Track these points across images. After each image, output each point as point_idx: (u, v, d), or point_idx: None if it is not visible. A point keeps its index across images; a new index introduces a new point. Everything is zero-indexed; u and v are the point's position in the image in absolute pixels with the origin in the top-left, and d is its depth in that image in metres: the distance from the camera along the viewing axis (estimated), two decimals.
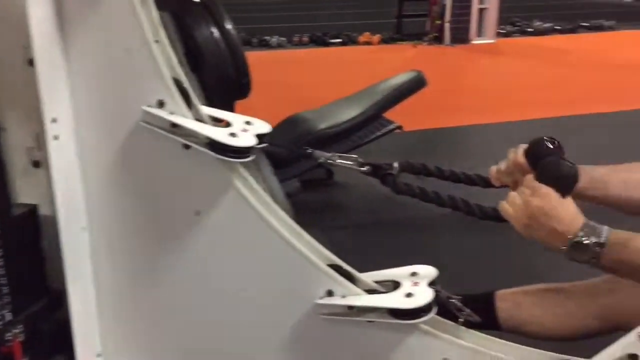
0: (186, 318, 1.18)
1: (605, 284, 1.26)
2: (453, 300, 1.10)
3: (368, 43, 8.15)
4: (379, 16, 9.76)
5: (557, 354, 1.10)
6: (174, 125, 1.02)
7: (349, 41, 8.24)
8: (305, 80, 5.88)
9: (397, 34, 8.35)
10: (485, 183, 1.24)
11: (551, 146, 1.13)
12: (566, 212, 0.97)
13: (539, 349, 1.14)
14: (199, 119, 1.04)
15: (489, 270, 2.23)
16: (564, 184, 1.03)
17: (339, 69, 6.52)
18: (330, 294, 1.08)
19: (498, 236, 2.50)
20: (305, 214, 2.65)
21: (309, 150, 1.24)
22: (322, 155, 1.27)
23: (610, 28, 9.08)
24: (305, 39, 8.33)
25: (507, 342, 1.10)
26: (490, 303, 1.35)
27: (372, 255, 2.12)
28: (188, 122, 1.01)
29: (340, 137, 2.52)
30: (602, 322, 1.27)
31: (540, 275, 1.48)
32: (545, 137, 1.14)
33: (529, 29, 8.88)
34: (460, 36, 7.83)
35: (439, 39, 7.83)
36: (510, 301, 1.34)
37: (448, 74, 6.36)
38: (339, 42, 8.19)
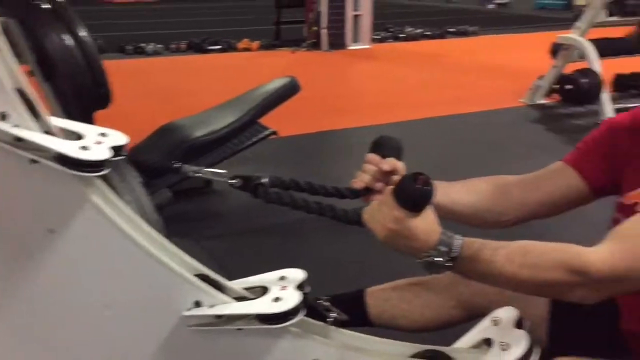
0: (47, 340, 1.11)
1: None
2: (321, 301, 1.12)
3: (247, 49, 8.16)
4: (258, 23, 9.81)
5: (421, 345, 1.15)
6: (19, 139, 0.95)
7: (229, 48, 8.20)
8: (183, 87, 5.78)
9: (276, 41, 8.42)
10: (354, 194, 1.27)
11: (391, 139, 1.24)
12: (421, 231, 1.00)
13: (409, 341, 1.19)
14: (48, 131, 0.98)
15: (361, 269, 2.32)
16: (419, 205, 1.03)
17: (218, 75, 6.47)
18: (198, 304, 1.06)
19: (370, 235, 2.62)
20: (182, 223, 2.63)
21: (177, 165, 1.21)
22: (190, 170, 1.24)
23: (474, 33, 9.71)
24: (183, 45, 8.18)
25: (374, 337, 1.13)
26: (361, 301, 1.39)
27: (247, 261, 2.13)
28: (34, 136, 0.94)
29: (216, 145, 2.50)
30: (464, 310, 1.34)
31: (410, 270, 1.54)
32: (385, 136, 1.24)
33: (402, 35, 9.29)
34: (337, 42, 8.04)
35: (316, 45, 7.98)
36: (379, 298, 1.39)
37: (326, 79, 6.51)
38: (218, 49, 8.13)
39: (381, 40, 8.98)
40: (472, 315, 1.31)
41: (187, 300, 1.06)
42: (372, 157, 1.20)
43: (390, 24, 9.92)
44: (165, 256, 1.06)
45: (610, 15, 4.65)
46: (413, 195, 1.02)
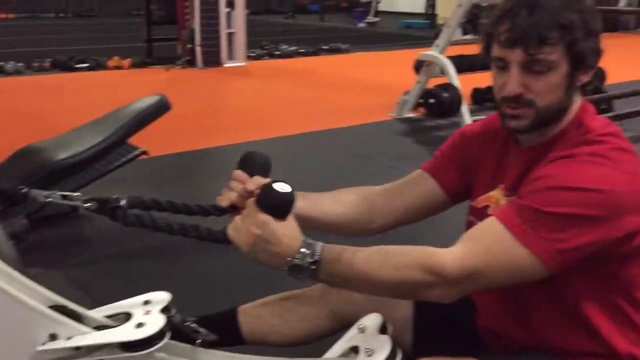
0: None
1: None
2: (189, 323, 1.10)
3: (118, 67, 7.88)
4: (130, 40, 9.51)
5: (292, 359, 1.16)
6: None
7: (97, 66, 7.87)
8: (47, 108, 5.46)
9: (148, 58, 8.20)
10: (219, 211, 1.25)
11: (258, 155, 1.22)
12: (284, 236, 1.02)
13: (282, 356, 1.20)
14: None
15: (235, 287, 2.31)
16: (281, 210, 1.06)
17: (86, 94, 6.19)
18: (53, 337, 1.01)
19: (239, 253, 2.61)
20: (47, 251, 2.48)
21: (24, 190, 1.12)
22: (40, 195, 1.16)
23: (347, 51, 10.04)
24: (47, 64, 7.74)
25: (245, 356, 1.13)
26: (233, 320, 1.38)
27: (116, 287, 2.05)
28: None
29: (81, 167, 2.39)
30: (335, 321, 1.37)
31: (282, 285, 1.56)
32: (255, 151, 1.24)
33: (277, 52, 9.39)
34: (212, 59, 7.98)
35: (191, 63, 7.87)
36: (251, 315, 1.38)
37: (201, 96, 6.44)
38: (86, 67, 7.77)
39: (257, 58, 9.03)
40: (343, 325, 1.34)
41: (41, 334, 1.00)
42: (239, 174, 1.20)
43: (265, 42, 10.01)
44: (15, 289, 1.00)
45: (465, 33, 5.01)
46: (275, 200, 1.05)
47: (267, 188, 1.07)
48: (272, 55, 9.33)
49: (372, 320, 1.20)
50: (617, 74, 5.68)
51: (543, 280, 1.06)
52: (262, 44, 9.83)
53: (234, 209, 1.21)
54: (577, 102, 1.15)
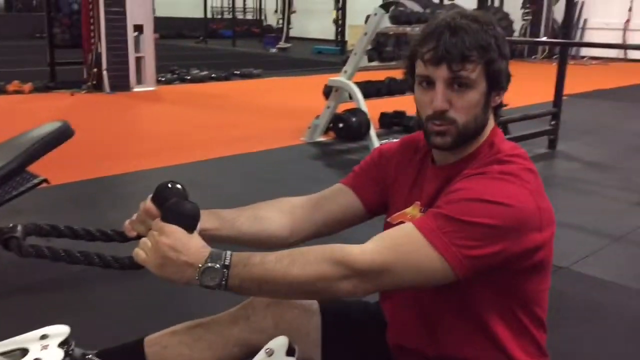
0: None
1: (241, 310, 1.35)
2: (89, 357, 1.07)
3: (19, 92, 7.52)
4: (32, 64, 9.12)
5: None
6: None
7: None
8: None
9: (51, 82, 7.89)
10: (123, 237, 1.23)
11: (174, 188, 1.17)
12: (193, 245, 1.05)
13: None
14: None
15: (143, 316, 2.26)
16: (188, 222, 1.09)
17: None
18: None
19: (146, 281, 2.56)
20: None
21: None
22: None
23: (258, 76, 10.09)
24: None
25: None
26: (139, 351, 1.34)
27: (14, 323, 1.94)
28: None
29: None
30: (243, 347, 1.35)
31: (189, 313, 1.54)
32: (169, 182, 1.19)
33: (188, 77, 9.30)
34: (121, 84, 7.79)
35: (98, 87, 7.65)
36: (158, 345, 1.34)
37: (107, 122, 6.26)
38: None
39: (167, 82, 8.91)
40: (253, 353, 1.34)
41: None
42: (149, 207, 1.18)
43: (175, 66, 9.90)
44: None
45: (370, 60, 5.18)
46: (184, 210, 1.09)
47: (174, 202, 1.09)
48: (183, 80, 9.23)
49: (279, 343, 1.22)
50: (513, 99, 6.06)
51: (450, 290, 1.12)
52: (172, 68, 9.71)
53: (140, 237, 1.19)
54: (491, 124, 1.23)
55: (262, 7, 20.11)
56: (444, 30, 1.13)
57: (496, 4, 14.64)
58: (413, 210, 1.27)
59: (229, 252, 1.06)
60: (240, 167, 4.61)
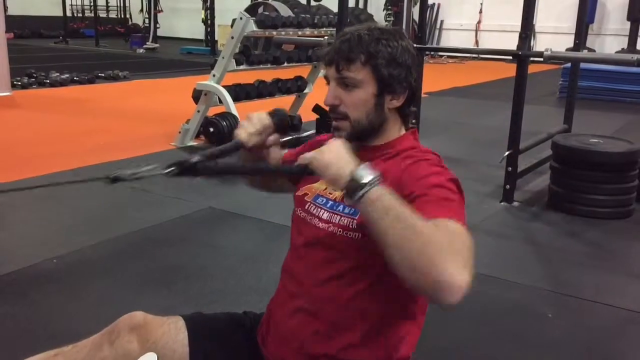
0: None
1: (105, 336, 1.33)
2: None
3: None
4: None
5: None
6: None
7: None
8: None
9: None
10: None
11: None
12: (350, 154, 1.16)
13: None
14: None
15: (3, 344, 2.15)
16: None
17: None
18: None
19: (12, 305, 2.44)
20: None
21: None
22: (124, 174, 1.16)
23: (125, 78, 9.72)
24: None
25: None
26: None
27: None
28: None
29: None
30: None
31: (55, 339, 1.49)
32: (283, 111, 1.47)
33: (47, 81, 8.77)
34: None
35: None
36: None
37: None
38: None
39: (23, 87, 8.34)
40: None
41: None
42: (270, 125, 1.40)
43: (32, 69, 9.29)
44: None
45: (239, 64, 5.20)
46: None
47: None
48: (41, 84, 8.69)
49: (148, 359, 1.23)
50: None
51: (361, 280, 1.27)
52: (29, 71, 9.10)
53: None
54: (396, 125, 1.36)
55: (127, 5, 19.36)
56: (341, 38, 1.31)
57: (360, 5, 15.22)
58: (319, 185, 1.37)
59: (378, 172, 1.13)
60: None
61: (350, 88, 1.29)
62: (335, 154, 1.15)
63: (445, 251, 1.00)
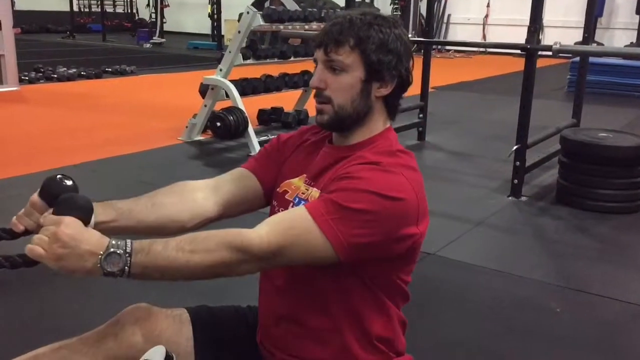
0: None
1: (109, 328, 1.32)
2: None
3: None
4: None
5: None
6: None
7: None
8: None
9: None
10: (12, 234, 1.22)
11: (64, 182, 1.19)
12: (93, 234, 1.08)
13: None
14: None
15: (3, 338, 2.16)
16: (83, 214, 1.11)
17: None
18: None
19: (9, 299, 2.44)
20: None
21: None
22: None
23: (132, 73, 9.72)
24: None
25: None
26: None
27: None
28: None
29: None
30: None
31: (60, 332, 1.50)
32: (58, 175, 1.21)
33: (54, 75, 8.78)
34: None
35: None
36: None
37: None
38: None
39: (31, 82, 8.37)
40: None
41: None
42: (36, 202, 1.20)
43: (40, 64, 9.31)
44: None
45: (245, 58, 5.19)
46: (78, 203, 1.12)
47: (69, 196, 1.13)
48: (49, 79, 8.71)
49: (156, 352, 1.23)
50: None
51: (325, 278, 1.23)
52: (37, 66, 9.13)
53: (28, 233, 1.20)
54: (382, 117, 1.31)
55: (134, 0, 19.36)
56: (333, 21, 1.27)
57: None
58: (299, 182, 1.35)
59: (129, 240, 1.09)
60: (114, 171, 4.47)
61: (338, 72, 1.25)
62: (70, 248, 1.04)
63: (216, 246, 1.12)
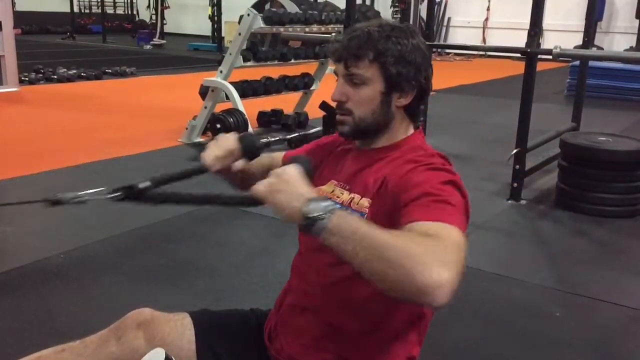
0: None
1: (112, 331, 1.33)
2: None
3: None
4: None
5: None
6: None
7: None
8: None
9: None
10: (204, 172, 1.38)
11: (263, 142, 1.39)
12: (309, 186, 1.10)
13: None
14: None
15: (6, 340, 2.16)
16: (306, 169, 1.16)
17: None
18: None
19: (13, 300, 2.45)
20: None
21: None
22: (66, 197, 1.18)
23: (132, 74, 9.73)
24: None
25: None
26: None
27: None
28: None
29: None
30: None
31: (62, 334, 1.50)
32: (252, 135, 1.40)
33: (54, 76, 8.79)
34: None
35: None
36: None
37: None
38: None
39: (31, 83, 8.38)
40: None
41: None
42: (234, 150, 1.36)
43: (40, 65, 9.32)
44: None
45: (246, 60, 5.19)
46: (301, 159, 1.20)
47: (298, 157, 1.23)
48: (49, 80, 8.72)
49: (156, 355, 1.24)
50: None
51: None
52: (37, 67, 9.13)
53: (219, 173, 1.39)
54: (404, 123, 1.33)
55: (134, 1, 19.38)
56: (351, 34, 1.29)
57: (367, 2, 15.18)
58: (328, 188, 1.36)
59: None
60: (114, 173, 4.46)
61: (358, 85, 1.27)
62: (286, 186, 1.07)
63: (417, 258, 0.93)
